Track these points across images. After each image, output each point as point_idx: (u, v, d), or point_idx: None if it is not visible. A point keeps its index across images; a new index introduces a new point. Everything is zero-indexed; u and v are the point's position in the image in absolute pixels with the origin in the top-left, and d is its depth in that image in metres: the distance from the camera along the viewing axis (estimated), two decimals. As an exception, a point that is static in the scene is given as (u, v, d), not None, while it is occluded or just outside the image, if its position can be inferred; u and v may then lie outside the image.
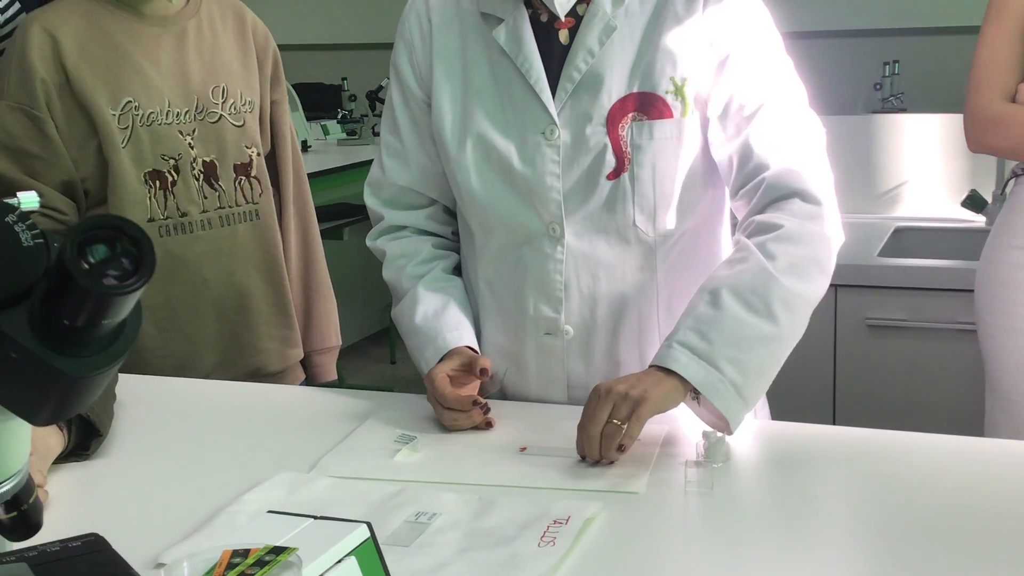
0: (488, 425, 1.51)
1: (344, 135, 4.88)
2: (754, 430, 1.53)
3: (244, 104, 2.08)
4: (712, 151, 1.54)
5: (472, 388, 1.53)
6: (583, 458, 1.39)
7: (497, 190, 1.55)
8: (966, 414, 2.21)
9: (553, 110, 1.51)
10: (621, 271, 1.54)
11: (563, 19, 1.53)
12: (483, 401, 1.50)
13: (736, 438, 1.41)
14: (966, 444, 1.43)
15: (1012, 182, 2.05)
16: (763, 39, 1.52)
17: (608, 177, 1.51)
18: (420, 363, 1.58)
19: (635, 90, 1.50)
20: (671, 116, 1.50)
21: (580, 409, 1.55)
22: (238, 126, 2.07)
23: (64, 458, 1.41)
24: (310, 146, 4.53)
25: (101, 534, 1.01)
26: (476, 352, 1.58)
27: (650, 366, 1.41)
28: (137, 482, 1.40)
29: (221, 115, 2.05)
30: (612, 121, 1.50)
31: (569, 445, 1.42)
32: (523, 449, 1.43)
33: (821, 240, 1.46)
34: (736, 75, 1.50)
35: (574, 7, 1.53)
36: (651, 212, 1.52)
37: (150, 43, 2.01)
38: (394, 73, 1.65)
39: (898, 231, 3.09)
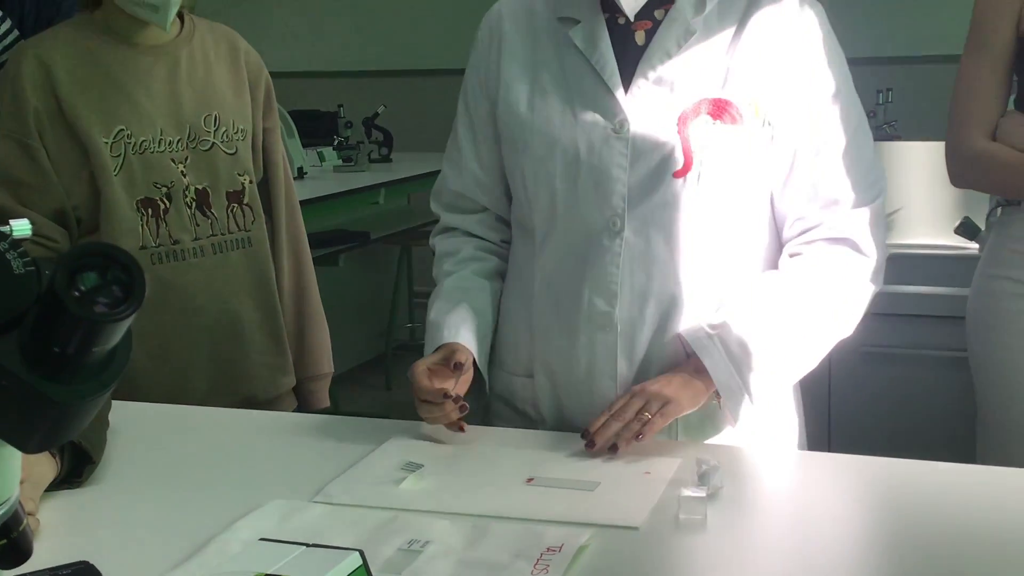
0: (460, 429, 1.53)
1: (340, 162, 4.89)
2: (748, 457, 1.53)
3: (236, 132, 2.09)
4: (776, 181, 1.57)
5: (449, 382, 1.52)
6: (588, 441, 1.46)
7: (563, 183, 1.57)
8: (961, 440, 2.21)
9: (624, 106, 1.54)
10: (674, 271, 1.54)
11: (633, 20, 1.55)
12: (454, 395, 1.50)
13: (729, 465, 1.41)
14: (959, 471, 1.43)
15: (999, 210, 2.05)
16: (841, 78, 1.57)
17: (675, 175, 1.53)
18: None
19: (710, 95, 1.53)
20: (743, 124, 1.52)
21: None
22: (230, 154, 2.07)
23: (56, 486, 1.40)
24: (306, 173, 4.54)
25: (92, 562, 1.01)
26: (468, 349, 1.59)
27: (686, 352, 1.53)
28: (129, 510, 1.40)
29: (213, 143, 2.06)
30: (683, 121, 1.52)
31: (576, 476, 1.41)
32: (530, 480, 1.42)
33: (865, 292, 1.59)
34: (814, 114, 1.55)
35: (652, 11, 1.56)
36: (711, 215, 1.54)
37: (143, 72, 2.02)
38: (464, 81, 1.70)
39: (892, 258, 3.07)
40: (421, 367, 1.54)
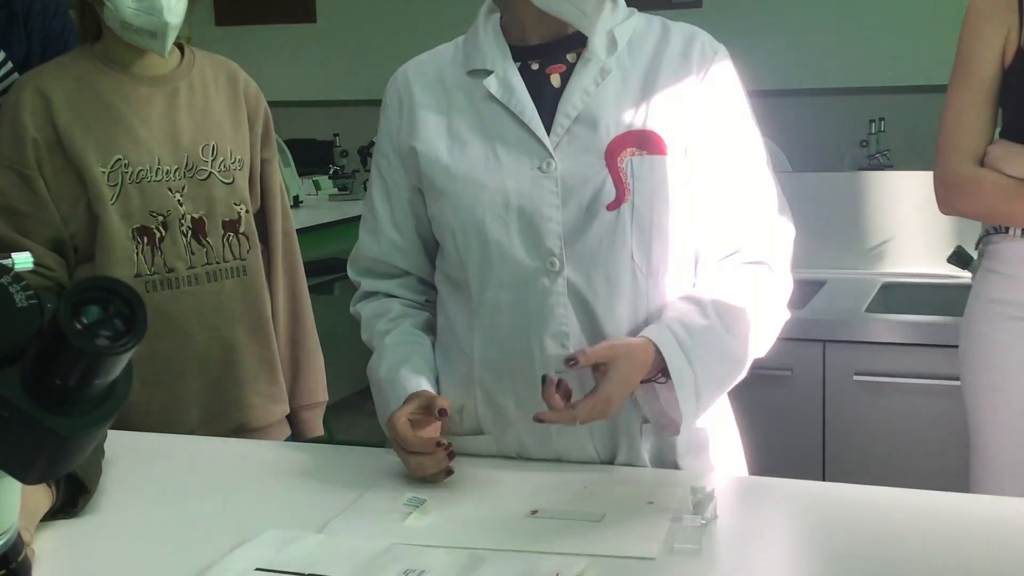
0: (449, 472, 1.49)
1: (336, 190, 4.90)
2: (742, 485, 1.53)
3: (234, 162, 2.10)
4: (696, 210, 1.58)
5: (433, 430, 1.50)
6: (540, 418, 1.43)
7: (494, 228, 1.54)
8: (954, 469, 2.21)
9: (549, 145, 1.53)
10: (615, 310, 1.54)
11: (543, 65, 1.56)
12: (446, 442, 1.47)
13: (724, 493, 1.41)
14: (952, 500, 1.44)
15: (988, 238, 2.06)
16: (749, 116, 1.60)
17: (608, 208, 1.52)
18: (383, 415, 1.57)
19: (632, 128, 1.53)
20: (668, 154, 1.54)
21: (594, 468, 1.56)
22: (227, 183, 2.09)
23: (52, 516, 1.40)
24: (302, 201, 4.55)
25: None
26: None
27: (641, 336, 1.48)
28: (125, 540, 1.40)
29: (210, 173, 2.07)
30: (610, 154, 1.52)
31: (580, 507, 1.41)
32: (534, 512, 1.41)
33: (781, 314, 1.60)
34: (730, 149, 1.57)
35: (563, 55, 1.57)
36: (647, 246, 1.54)
37: (141, 102, 2.04)
38: (375, 147, 1.69)
39: (885, 287, 3.10)
40: (402, 419, 1.49)
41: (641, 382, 1.48)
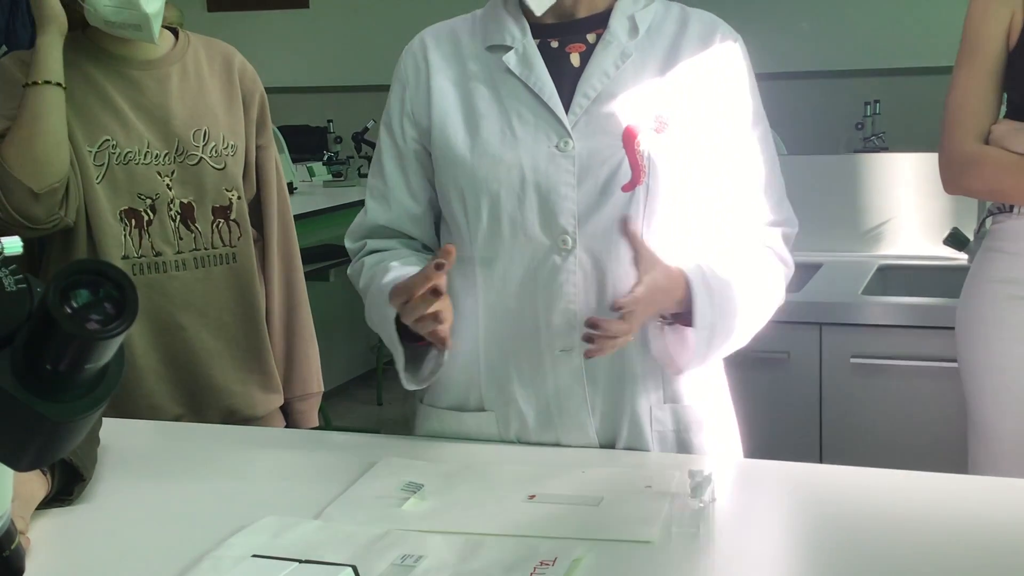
0: (443, 343, 1.46)
1: (330, 177, 4.91)
2: (739, 469, 1.53)
3: (226, 147, 2.09)
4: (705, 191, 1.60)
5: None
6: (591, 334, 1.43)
7: (509, 204, 1.54)
8: (951, 451, 2.21)
9: (567, 124, 1.54)
10: (625, 289, 1.51)
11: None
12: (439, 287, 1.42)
13: (722, 476, 1.41)
14: (950, 482, 1.44)
15: (989, 220, 2.06)
16: (762, 108, 1.62)
17: (623, 189, 1.53)
18: (384, 312, 1.52)
19: (651, 111, 1.54)
20: (684, 138, 1.54)
21: (592, 451, 1.56)
22: (218, 169, 2.07)
23: (47, 503, 1.40)
24: (296, 188, 4.56)
25: (84, 580, 1.01)
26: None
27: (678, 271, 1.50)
28: (121, 527, 1.39)
29: (201, 158, 2.06)
30: (628, 137, 1.53)
31: (578, 492, 1.40)
32: (532, 496, 1.41)
33: (780, 295, 1.63)
34: (743, 138, 1.59)
35: (583, 35, 1.58)
36: (659, 228, 1.54)
37: (132, 86, 2.03)
38: (385, 115, 1.67)
39: (882, 269, 3.10)
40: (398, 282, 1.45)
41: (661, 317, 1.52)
